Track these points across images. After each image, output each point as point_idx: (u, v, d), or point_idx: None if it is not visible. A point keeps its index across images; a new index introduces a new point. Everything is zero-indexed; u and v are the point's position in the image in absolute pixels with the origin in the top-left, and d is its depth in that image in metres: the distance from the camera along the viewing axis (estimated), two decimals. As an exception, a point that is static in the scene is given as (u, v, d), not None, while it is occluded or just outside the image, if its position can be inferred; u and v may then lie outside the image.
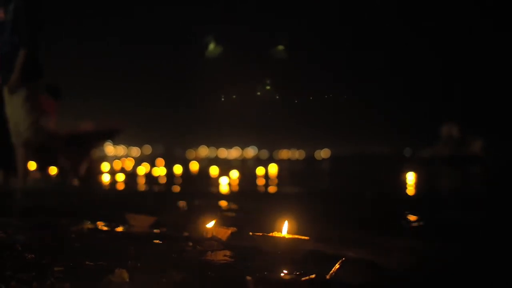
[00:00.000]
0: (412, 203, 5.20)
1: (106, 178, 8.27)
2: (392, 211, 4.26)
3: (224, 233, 2.27)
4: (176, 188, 6.86)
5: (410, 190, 6.82)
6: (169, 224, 2.80)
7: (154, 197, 5.63)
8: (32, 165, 5.90)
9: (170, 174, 10.53)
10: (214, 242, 2.22)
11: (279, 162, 25.85)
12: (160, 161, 18.24)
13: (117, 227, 2.74)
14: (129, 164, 17.05)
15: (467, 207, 4.82)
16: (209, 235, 2.27)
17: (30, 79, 5.15)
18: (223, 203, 4.46)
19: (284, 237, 2.05)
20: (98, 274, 1.66)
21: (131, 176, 9.34)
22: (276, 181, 9.25)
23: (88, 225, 2.74)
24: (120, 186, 6.98)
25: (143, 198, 5.44)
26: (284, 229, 2.09)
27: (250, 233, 2.15)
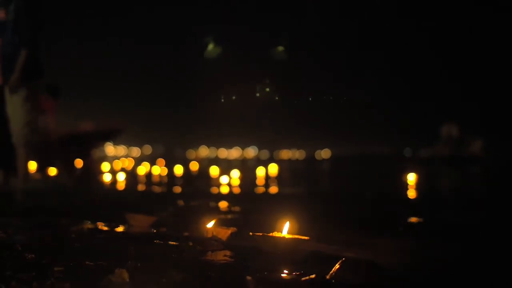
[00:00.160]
0: (412, 204, 5.20)
1: (106, 178, 8.27)
2: (393, 212, 4.26)
3: (224, 233, 2.27)
4: (176, 188, 6.86)
5: (411, 190, 6.82)
6: (169, 224, 2.80)
7: (154, 197, 5.63)
8: (32, 165, 5.90)
9: (170, 174, 10.53)
10: (214, 242, 2.22)
11: (279, 162, 25.86)
12: (160, 161, 18.23)
13: (117, 227, 2.74)
14: (128, 164, 17.06)
15: (467, 207, 4.82)
16: (209, 235, 2.27)
17: (30, 79, 5.16)
18: (223, 203, 4.46)
19: (284, 237, 2.05)
20: (98, 274, 1.65)
21: (131, 176, 9.34)
22: (276, 181, 9.25)
23: (88, 225, 2.74)
24: (120, 186, 6.98)
25: (143, 198, 5.44)
26: (284, 229, 2.09)
27: (250, 233, 2.15)
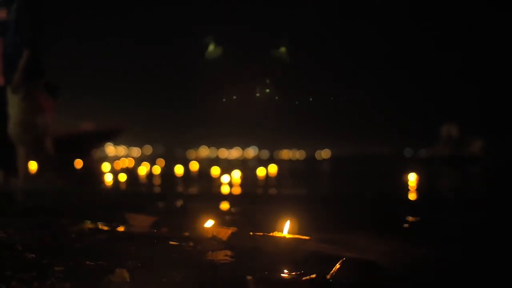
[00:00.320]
0: (412, 204, 5.20)
1: (106, 178, 8.27)
2: (393, 212, 4.26)
3: (225, 233, 2.27)
4: (177, 188, 6.85)
5: (411, 190, 6.82)
6: (170, 224, 2.80)
7: (154, 197, 5.63)
8: (32, 165, 5.91)
9: (170, 174, 10.53)
10: (214, 242, 2.22)
11: (279, 162, 25.85)
12: (160, 161, 18.24)
13: (117, 227, 2.74)
14: (128, 163, 17.05)
15: (467, 207, 4.81)
16: (210, 235, 2.27)
17: (32, 79, 5.16)
18: (223, 203, 4.46)
19: (284, 237, 2.05)
20: (98, 274, 1.66)
21: (131, 176, 9.33)
22: (276, 181, 9.25)
23: (88, 225, 2.74)
24: (120, 186, 6.98)
25: (143, 198, 5.44)
26: (285, 229, 2.09)
27: (251, 233, 2.15)
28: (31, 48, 5.05)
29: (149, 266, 1.81)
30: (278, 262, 1.91)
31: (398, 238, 2.75)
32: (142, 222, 2.75)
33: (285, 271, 1.80)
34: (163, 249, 2.16)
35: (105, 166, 12.33)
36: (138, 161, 19.11)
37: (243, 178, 8.71)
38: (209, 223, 2.34)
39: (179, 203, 4.58)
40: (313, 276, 1.65)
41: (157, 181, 8.34)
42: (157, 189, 6.83)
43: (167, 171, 11.38)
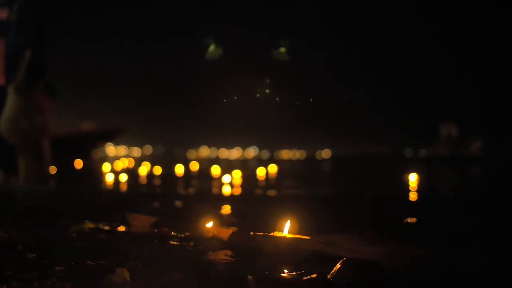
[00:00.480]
0: (413, 204, 5.20)
1: (107, 178, 8.27)
2: (394, 212, 4.26)
3: (225, 232, 2.27)
4: (177, 188, 6.86)
5: (412, 190, 6.81)
6: (170, 224, 2.80)
7: (154, 197, 5.63)
8: (33, 165, 5.89)
9: (170, 174, 10.53)
10: (215, 242, 2.22)
11: (279, 162, 25.85)
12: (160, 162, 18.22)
13: (118, 227, 2.74)
14: (128, 163, 17.05)
15: (468, 207, 4.81)
16: (210, 235, 2.27)
17: (34, 79, 5.17)
18: (224, 203, 4.46)
19: (285, 237, 2.05)
20: (99, 274, 1.66)
21: (131, 176, 9.33)
22: (276, 181, 9.25)
23: (89, 224, 2.74)
24: (120, 186, 6.98)
25: (144, 198, 5.43)
26: (285, 229, 2.09)
27: (251, 233, 2.15)
28: (33, 48, 5.06)
29: (150, 266, 1.81)
30: (279, 262, 1.91)
31: (399, 238, 2.75)
32: (142, 222, 2.75)
33: (286, 271, 1.80)
34: (163, 249, 2.16)
35: (106, 166, 12.32)
36: (139, 161, 19.10)
37: (243, 178, 8.71)
38: (210, 223, 2.34)
39: (180, 203, 4.58)
40: (314, 276, 1.65)
41: (158, 181, 8.35)
42: (157, 189, 6.83)
43: (168, 171, 11.38)
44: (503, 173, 13.88)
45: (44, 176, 5.71)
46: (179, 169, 11.44)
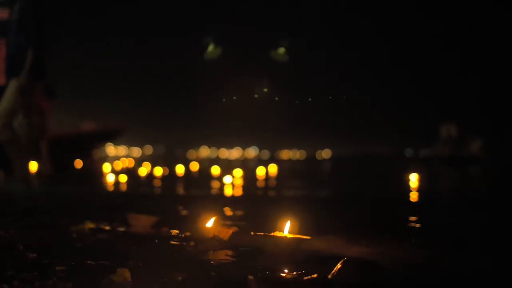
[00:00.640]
0: (414, 204, 5.20)
1: (107, 178, 8.27)
2: (394, 212, 4.26)
3: (226, 232, 2.27)
4: (178, 188, 6.86)
5: (412, 190, 6.81)
6: (171, 223, 2.80)
7: (155, 197, 5.63)
8: (32, 165, 5.90)
9: (171, 174, 10.53)
10: (215, 242, 2.22)
11: (280, 162, 25.85)
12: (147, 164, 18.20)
13: (118, 227, 2.74)
14: (128, 164, 17.04)
15: (468, 207, 4.81)
16: (211, 235, 2.28)
17: (37, 79, 5.17)
18: (224, 203, 4.46)
19: (285, 237, 2.05)
20: (100, 274, 1.66)
21: (131, 176, 9.33)
22: (276, 181, 9.26)
23: (89, 225, 2.74)
24: (120, 186, 6.98)
25: (144, 198, 5.44)
26: (286, 229, 2.09)
27: (252, 233, 2.15)
28: (36, 48, 5.06)
29: (151, 266, 1.81)
30: (280, 261, 1.91)
31: (400, 238, 2.75)
32: (143, 222, 2.75)
33: (286, 271, 1.80)
34: (164, 249, 2.16)
35: (106, 167, 12.32)
36: (139, 162, 19.10)
37: (244, 178, 8.71)
38: (210, 223, 2.34)
39: (180, 203, 4.58)
40: (315, 276, 1.65)
41: (158, 182, 8.34)
42: (157, 190, 6.83)
43: (168, 171, 11.37)
44: (503, 173, 13.88)
45: (43, 176, 5.71)
46: (180, 169, 11.43)
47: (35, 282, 1.58)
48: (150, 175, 9.84)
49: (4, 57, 5.18)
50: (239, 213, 3.73)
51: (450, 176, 12.96)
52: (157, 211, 3.40)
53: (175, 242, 2.29)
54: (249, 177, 9.33)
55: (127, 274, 1.63)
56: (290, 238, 2.05)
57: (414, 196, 5.92)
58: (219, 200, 5.00)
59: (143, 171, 10.87)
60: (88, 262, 1.83)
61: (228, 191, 6.12)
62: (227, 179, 7.41)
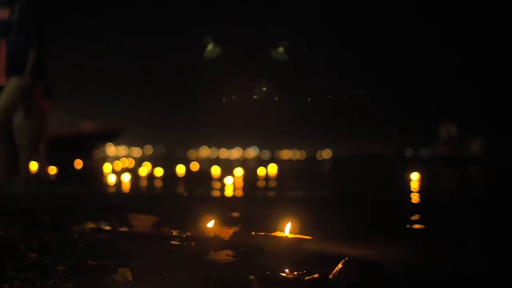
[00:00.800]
0: (414, 205, 5.19)
1: (107, 179, 8.26)
2: (395, 212, 4.26)
3: (227, 232, 2.27)
4: (178, 189, 6.86)
5: (413, 190, 6.81)
6: (171, 223, 2.80)
7: (156, 197, 5.63)
8: (34, 165, 5.91)
9: (171, 174, 10.52)
10: (216, 242, 2.22)
11: (280, 162, 25.84)
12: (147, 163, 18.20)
13: (119, 227, 2.74)
14: (128, 164, 17.04)
15: (469, 208, 4.81)
16: (212, 235, 2.28)
17: (37, 79, 5.18)
18: (225, 203, 4.46)
19: (286, 237, 2.05)
20: (101, 274, 1.66)
21: (132, 176, 9.33)
22: (277, 181, 9.25)
23: (90, 225, 2.74)
24: (120, 186, 6.98)
25: (145, 198, 5.44)
26: (287, 229, 2.10)
27: (253, 233, 2.15)
28: (37, 48, 5.07)
29: (151, 266, 1.81)
30: (281, 261, 1.91)
31: (401, 238, 2.75)
32: (144, 222, 2.75)
33: (287, 271, 1.80)
34: (165, 249, 2.16)
35: (106, 167, 12.32)
36: (139, 162, 19.09)
37: (244, 178, 8.71)
38: (211, 223, 2.35)
39: (181, 203, 4.58)
40: (315, 276, 1.65)
41: (158, 182, 8.34)
42: (158, 190, 6.83)
43: (168, 171, 11.37)
44: (503, 173, 13.87)
45: (43, 176, 5.72)
46: (180, 169, 11.43)
47: (36, 282, 1.58)
48: (151, 175, 9.84)
49: (4, 57, 5.19)
50: (240, 213, 3.73)
51: (450, 176, 12.95)
52: (158, 211, 3.40)
53: (176, 242, 2.30)
54: (250, 177, 9.33)
55: (128, 274, 1.63)
56: (291, 238, 2.05)
57: (414, 196, 5.92)
58: (220, 200, 5.00)
59: (143, 171, 10.87)
60: (89, 262, 1.83)
61: (228, 191, 6.12)
62: (227, 179, 7.40)
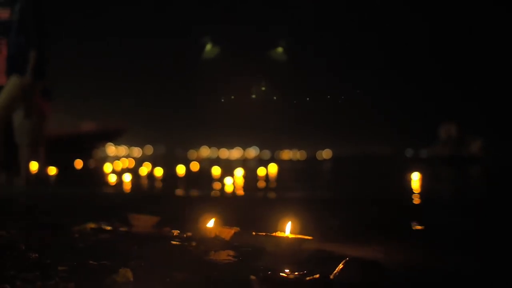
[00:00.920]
0: (416, 205, 5.19)
1: (107, 179, 8.27)
2: (396, 212, 4.26)
3: (227, 232, 2.27)
4: (179, 189, 6.86)
5: (414, 191, 6.81)
6: (172, 223, 2.80)
7: (156, 197, 5.63)
8: (34, 165, 5.91)
9: (172, 174, 10.52)
10: (217, 242, 2.22)
11: (280, 162, 25.84)
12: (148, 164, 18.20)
13: (119, 227, 2.74)
14: (128, 164, 17.04)
15: (469, 208, 4.81)
16: (213, 235, 2.28)
17: (37, 79, 5.18)
18: (226, 203, 4.46)
19: (287, 237, 2.05)
20: (102, 274, 1.66)
21: (132, 176, 9.32)
22: (277, 181, 9.26)
23: (91, 225, 2.74)
24: (120, 186, 6.98)
25: (145, 198, 5.44)
26: (288, 229, 2.10)
27: (254, 233, 2.15)
28: (38, 48, 5.07)
29: (152, 266, 1.81)
30: (281, 262, 1.91)
31: (402, 238, 2.76)
32: (144, 222, 2.75)
33: (288, 271, 1.80)
34: (166, 249, 2.16)
35: (106, 167, 12.32)
36: (139, 162, 19.09)
37: (245, 178, 8.71)
38: (212, 223, 2.35)
39: (182, 204, 4.58)
40: (316, 276, 1.65)
41: (159, 182, 8.35)
42: (158, 190, 6.83)
43: (169, 171, 11.36)
44: (503, 173, 13.88)
45: (43, 176, 5.72)
46: (181, 170, 11.43)
47: (37, 282, 1.58)
48: (151, 175, 9.84)
49: (5, 57, 5.20)
50: (240, 213, 3.73)
51: (450, 176, 12.95)
52: (158, 211, 3.41)
53: (177, 242, 2.30)
54: (250, 177, 9.33)
55: (129, 274, 1.64)
56: (292, 238, 2.05)
57: (414, 196, 5.92)
58: (220, 200, 5.00)
59: (143, 171, 10.87)
60: (90, 262, 1.83)
61: (229, 191, 6.12)
62: (228, 179, 7.41)
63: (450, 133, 32.67)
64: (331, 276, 1.66)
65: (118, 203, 4.54)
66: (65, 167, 11.43)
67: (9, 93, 5.19)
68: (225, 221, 2.47)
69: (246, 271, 1.76)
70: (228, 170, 11.22)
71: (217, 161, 26.61)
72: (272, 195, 6.17)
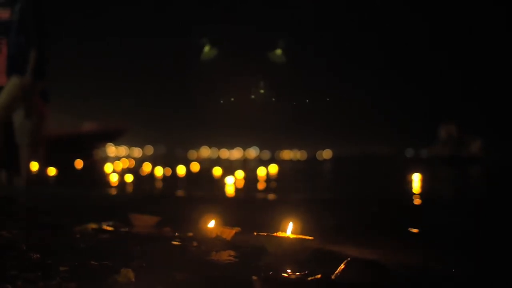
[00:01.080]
0: (416, 205, 5.20)
1: (107, 179, 8.27)
2: (397, 213, 4.26)
3: (229, 233, 2.28)
4: (179, 189, 6.86)
5: (415, 191, 6.81)
6: (173, 224, 2.80)
7: (156, 197, 5.63)
8: (34, 165, 5.91)
9: (172, 174, 10.53)
10: (218, 242, 2.22)
11: (280, 162, 25.84)
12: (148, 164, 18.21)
13: (120, 227, 2.74)
14: (128, 164, 17.04)
15: (469, 208, 4.81)
16: (214, 235, 2.28)
17: (37, 79, 5.19)
18: (227, 203, 4.46)
19: (288, 237, 2.05)
20: (103, 274, 1.66)
21: (133, 176, 9.33)
22: (277, 181, 9.26)
23: (92, 225, 2.74)
24: (120, 187, 6.98)
25: (146, 198, 5.44)
26: (289, 229, 2.10)
27: (255, 233, 2.15)
28: (38, 48, 5.08)
29: (154, 266, 1.81)
30: (283, 262, 1.91)
31: (403, 238, 2.76)
32: (145, 222, 2.75)
33: (290, 271, 1.80)
34: (167, 249, 2.16)
35: (106, 167, 12.32)
36: (140, 162, 19.08)
37: (245, 178, 8.71)
38: (213, 223, 2.35)
39: (182, 204, 4.58)
40: (318, 276, 1.65)
41: (159, 182, 8.35)
42: (159, 190, 6.83)
43: (169, 171, 11.37)
44: (503, 173, 13.88)
45: (42, 177, 5.72)
46: (181, 170, 11.44)
47: (38, 282, 1.58)
48: (151, 176, 9.84)
49: (5, 57, 5.20)
50: (241, 213, 3.73)
51: (450, 176, 12.95)
52: (159, 211, 3.41)
53: (178, 243, 2.30)
54: (251, 178, 9.33)
55: (130, 274, 1.64)
56: (293, 238, 2.05)
57: (414, 197, 5.92)
58: (221, 201, 5.00)
59: (144, 171, 10.87)
60: (92, 262, 1.83)
61: (230, 192, 6.12)
62: (228, 179, 7.41)
63: (450, 133, 32.69)
64: (333, 276, 1.66)
65: (118, 203, 4.54)
66: (66, 167, 11.44)
67: (9, 93, 5.19)
68: (226, 221, 2.47)
69: (247, 271, 1.76)
70: (228, 170, 11.22)
71: (218, 161, 26.62)
72: (272, 195, 6.17)
